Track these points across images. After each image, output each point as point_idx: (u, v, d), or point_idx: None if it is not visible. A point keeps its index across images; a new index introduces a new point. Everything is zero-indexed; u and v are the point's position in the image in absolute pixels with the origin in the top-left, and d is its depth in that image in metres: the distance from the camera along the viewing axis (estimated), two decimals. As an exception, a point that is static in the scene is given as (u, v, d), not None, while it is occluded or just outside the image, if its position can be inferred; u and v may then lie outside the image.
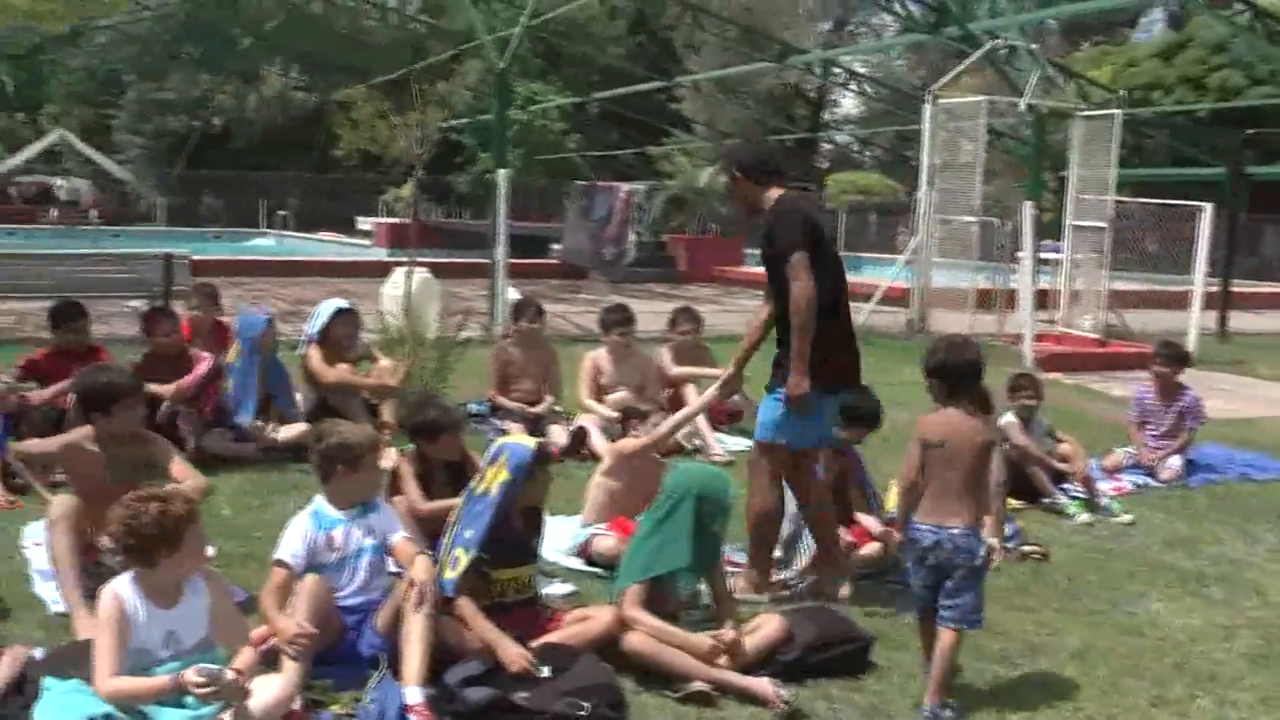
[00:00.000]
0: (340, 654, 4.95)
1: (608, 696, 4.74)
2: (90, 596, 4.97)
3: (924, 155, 17.85)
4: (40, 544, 6.11)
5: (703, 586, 5.62)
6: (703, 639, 5.13)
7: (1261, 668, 5.61)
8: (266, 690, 4.36)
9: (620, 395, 9.90)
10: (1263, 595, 6.68)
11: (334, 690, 4.72)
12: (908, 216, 26.44)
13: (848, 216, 41.30)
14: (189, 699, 4.19)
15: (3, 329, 13.49)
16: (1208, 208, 16.69)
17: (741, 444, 9.32)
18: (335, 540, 5.11)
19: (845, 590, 6.31)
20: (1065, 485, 8.43)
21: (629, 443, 7.36)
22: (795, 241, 6.02)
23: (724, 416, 10.13)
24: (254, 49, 38.44)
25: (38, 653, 4.85)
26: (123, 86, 49.00)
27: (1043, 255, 17.82)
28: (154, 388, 8.09)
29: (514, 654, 4.85)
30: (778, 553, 6.51)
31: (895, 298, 18.55)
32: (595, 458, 8.51)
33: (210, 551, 5.34)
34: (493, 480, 5.34)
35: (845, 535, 6.70)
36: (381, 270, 17.99)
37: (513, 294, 15.21)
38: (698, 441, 9.69)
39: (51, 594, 5.73)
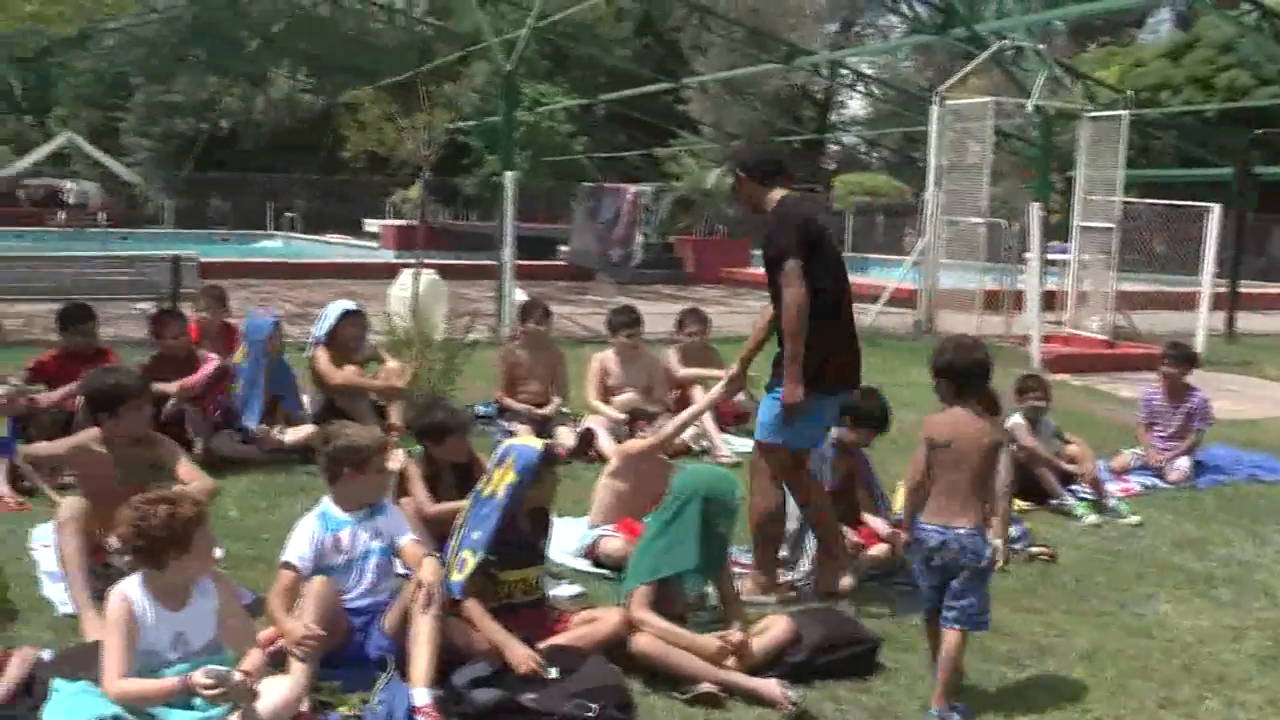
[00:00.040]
0: (348, 655, 4.96)
1: (615, 698, 4.74)
2: (99, 598, 4.98)
3: (931, 156, 17.84)
4: (49, 546, 6.11)
5: (710, 588, 5.62)
6: (710, 640, 5.13)
7: (1270, 669, 5.60)
8: (274, 692, 4.37)
9: (628, 397, 9.91)
10: (1271, 596, 6.67)
11: (342, 692, 4.73)
12: (915, 218, 26.45)
13: (855, 218, 41.26)
14: (197, 701, 4.21)
15: (11, 331, 13.51)
16: (1215, 208, 16.67)
17: (749, 445, 9.26)
18: (342, 542, 5.12)
19: (847, 581, 6.34)
20: (1073, 486, 8.43)
21: (635, 443, 7.37)
22: (790, 247, 6.03)
23: (731, 418, 10.12)
24: (261, 51, 38.51)
25: (46, 654, 4.86)
26: (130, 89, 49.04)
27: (1050, 256, 17.82)
28: (159, 386, 8.12)
29: (522, 655, 4.86)
30: (783, 553, 6.52)
31: (902, 299, 18.55)
32: (602, 459, 8.52)
33: (218, 553, 5.34)
34: (500, 482, 5.35)
35: (853, 536, 6.70)
36: (389, 272, 18.04)
37: (520, 295, 15.20)
38: (705, 443, 9.69)
39: (60, 595, 5.74)
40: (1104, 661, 5.57)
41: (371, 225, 38.28)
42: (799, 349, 6.01)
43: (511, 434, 8.61)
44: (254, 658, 4.45)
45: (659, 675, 5.05)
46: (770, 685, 4.93)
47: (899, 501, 6.54)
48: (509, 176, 16.71)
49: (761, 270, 6.32)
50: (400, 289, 14.45)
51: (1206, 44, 34.48)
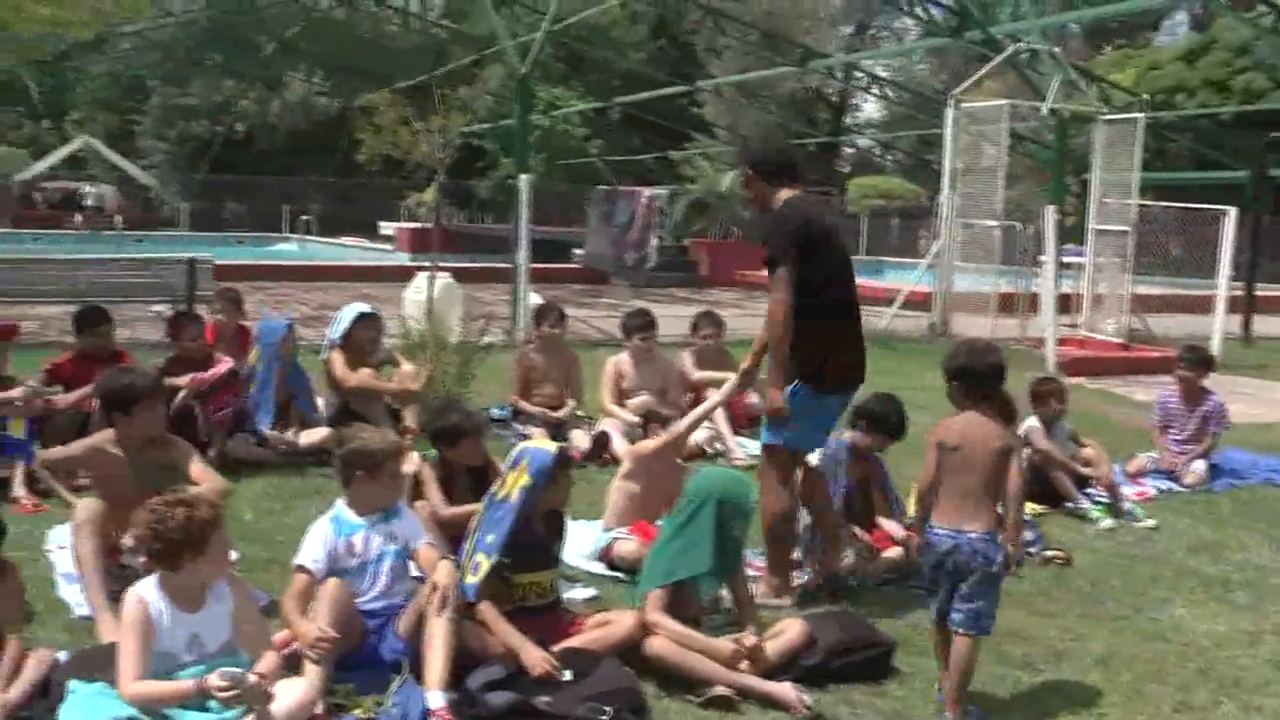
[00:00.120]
0: (362, 658, 4.96)
1: (630, 701, 4.74)
2: (114, 600, 5.00)
3: (946, 159, 17.83)
4: (65, 548, 6.14)
5: (724, 591, 5.62)
6: (725, 644, 5.13)
7: (1286, 673, 5.59)
8: (289, 694, 4.38)
9: (642, 400, 9.91)
10: (1287, 601, 6.65)
11: (356, 694, 4.73)
12: (930, 221, 26.40)
13: (869, 221, 41.25)
14: (212, 703, 4.22)
15: (28, 334, 13.53)
16: (1231, 211, 16.63)
17: (763, 448, 9.31)
18: (355, 546, 5.13)
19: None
20: (1088, 490, 8.41)
21: (647, 443, 7.36)
22: (782, 252, 6.04)
23: (745, 421, 10.11)
24: (277, 55, 38.59)
25: (63, 656, 4.87)
26: (146, 92, 49.22)
27: (1065, 259, 17.78)
28: (171, 381, 8.14)
29: (536, 658, 4.86)
30: (796, 555, 6.52)
31: (917, 302, 18.54)
32: (617, 462, 8.51)
33: (233, 556, 5.35)
34: (514, 485, 5.35)
35: (867, 539, 6.70)
36: (404, 275, 18.07)
37: (535, 299, 15.23)
38: (719, 446, 9.70)
39: (76, 597, 5.76)
40: (1119, 666, 5.55)
41: (386, 228, 38.38)
42: (780, 356, 6.07)
43: (526, 437, 8.62)
44: (269, 660, 4.46)
45: (673, 678, 5.05)
46: (785, 689, 4.92)
47: (912, 504, 6.54)
48: (524, 180, 16.73)
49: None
50: (415, 292, 14.48)
51: (1222, 46, 34.37)
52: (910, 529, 6.59)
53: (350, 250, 36.13)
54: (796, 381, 6.12)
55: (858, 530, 6.71)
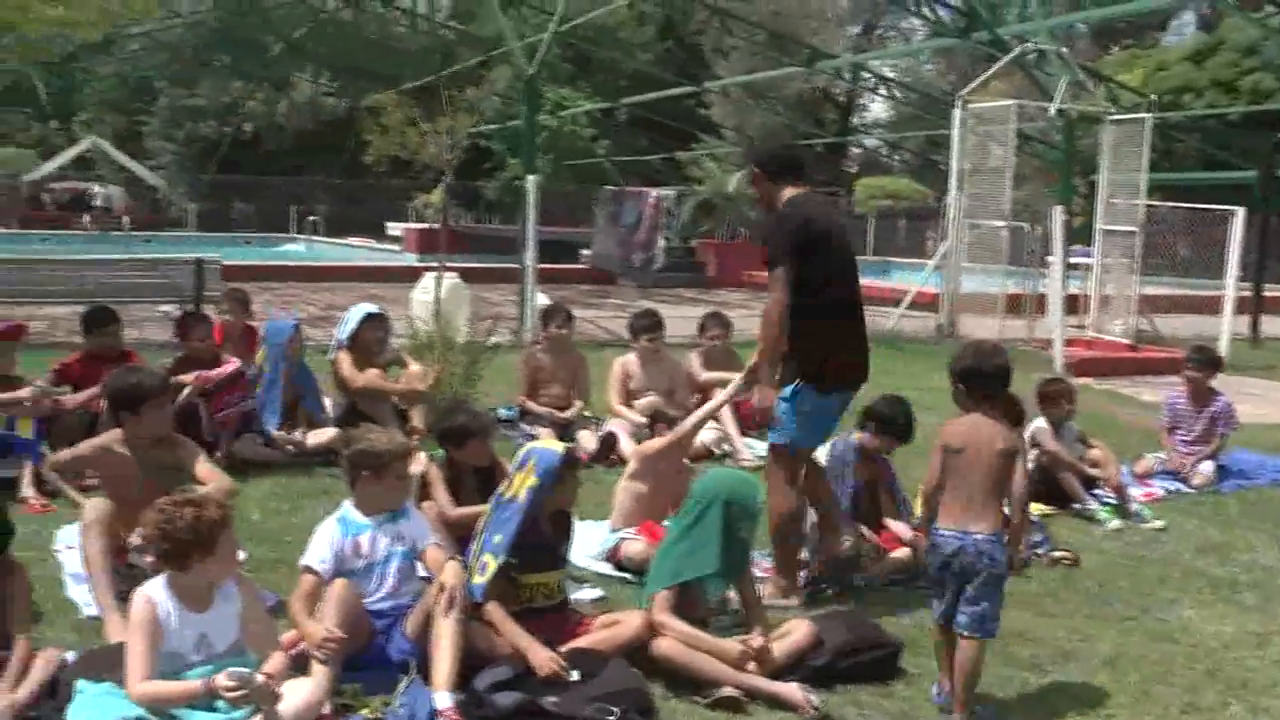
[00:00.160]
0: (370, 658, 4.96)
1: (637, 701, 4.75)
2: (123, 600, 5.01)
3: (953, 160, 17.82)
4: (73, 548, 6.15)
5: (732, 592, 5.62)
6: (732, 644, 5.13)
7: (1294, 675, 5.58)
8: (296, 694, 4.39)
9: (649, 400, 9.91)
10: (1295, 602, 6.65)
11: (363, 694, 4.74)
12: (937, 221, 26.35)
13: (876, 221, 41.21)
14: (220, 703, 4.22)
15: (36, 334, 13.56)
16: (1239, 212, 16.62)
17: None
18: (362, 546, 5.13)
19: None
20: (1096, 491, 8.40)
21: (653, 443, 7.35)
22: (781, 252, 6.05)
23: (753, 422, 10.09)
24: (284, 56, 38.60)
25: (70, 656, 4.88)
26: (154, 93, 49.27)
27: (1073, 260, 17.77)
28: (177, 378, 8.16)
29: (544, 658, 4.86)
30: (803, 555, 6.52)
31: (925, 303, 18.53)
32: (624, 462, 8.50)
33: (240, 556, 5.36)
34: (521, 485, 5.35)
35: (875, 540, 6.70)
36: (411, 275, 18.07)
37: (542, 299, 15.24)
38: (726, 446, 9.70)
39: (84, 597, 5.77)
40: (1127, 667, 5.55)
41: (394, 229, 38.36)
42: (773, 355, 6.13)
43: (533, 437, 8.63)
44: (276, 660, 4.47)
45: (680, 679, 5.05)
46: (792, 689, 4.92)
47: (920, 506, 6.53)
48: (531, 180, 16.74)
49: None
50: (422, 292, 14.48)
51: (1230, 47, 34.30)
52: (918, 530, 6.59)
53: (357, 251, 36.13)
54: (798, 381, 6.13)
55: (865, 531, 6.71)
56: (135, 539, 5.56)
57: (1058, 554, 7.13)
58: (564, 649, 5.01)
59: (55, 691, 4.55)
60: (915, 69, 48.61)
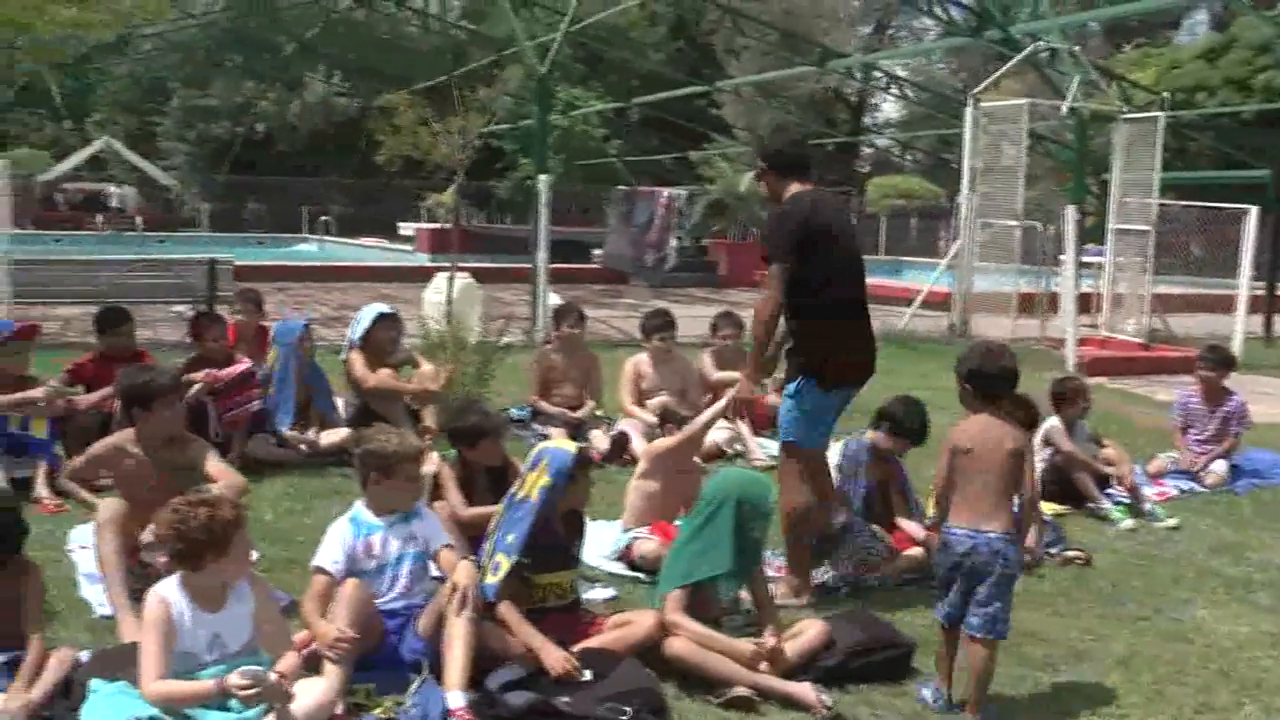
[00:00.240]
0: (382, 658, 4.97)
1: (649, 701, 4.74)
2: (136, 599, 5.02)
3: (965, 159, 17.79)
4: (87, 548, 6.18)
5: (744, 592, 5.62)
6: (744, 644, 5.13)
7: (1309, 675, 5.56)
8: (309, 694, 4.39)
9: (661, 400, 9.91)
10: (1310, 602, 6.62)
11: (376, 694, 4.74)
12: (949, 221, 26.30)
13: (888, 221, 41.17)
14: (233, 702, 4.23)
15: (49, 334, 13.60)
16: (1253, 210, 16.58)
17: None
18: (374, 547, 5.13)
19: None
20: (1110, 490, 8.39)
21: (663, 442, 7.32)
22: (778, 250, 6.06)
23: (765, 421, 10.11)
24: (296, 56, 38.69)
25: (84, 655, 4.89)
26: (167, 94, 49.40)
27: (1085, 259, 17.74)
28: (187, 375, 8.17)
29: (557, 657, 4.86)
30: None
31: (937, 302, 18.52)
32: (636, 462, 8.52)
33: (253, 556, 5.37)
34: (533, 485, 5.36)
35: (887, 539, 6.70)
36: (423, 275, 18.10)
37: (554, 299, 15.25)
38: (739, 446, 9.70)
39: (98, 597, 5.78)
40: (1140, 667, 5.54)
41: (406, 229, 38.44)
42: (764, 348, 6.22)
43: (545, 437, 8.63)
44: (289, 660, 4.47)
45: (693, 679, 5.05)
46: (804, 689, 4.92)
47: (932, 506, 6.53)
48: (543, 180, 16.75)
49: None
50: (435, 292, 14.50)
51: (1243, 45, 34.19)
52: (930, 529, 6.58)
53: (370, 251, 36.20)
54: (800, 379, 6.14)
55: (878, 530, 6.70)
56: (147, 536, 5.58)
57: (1070, 553, 7.12)
58: (576, 649, 5.01)
59: (69, 691, 4.56)
60: (927, 68, 48.57)
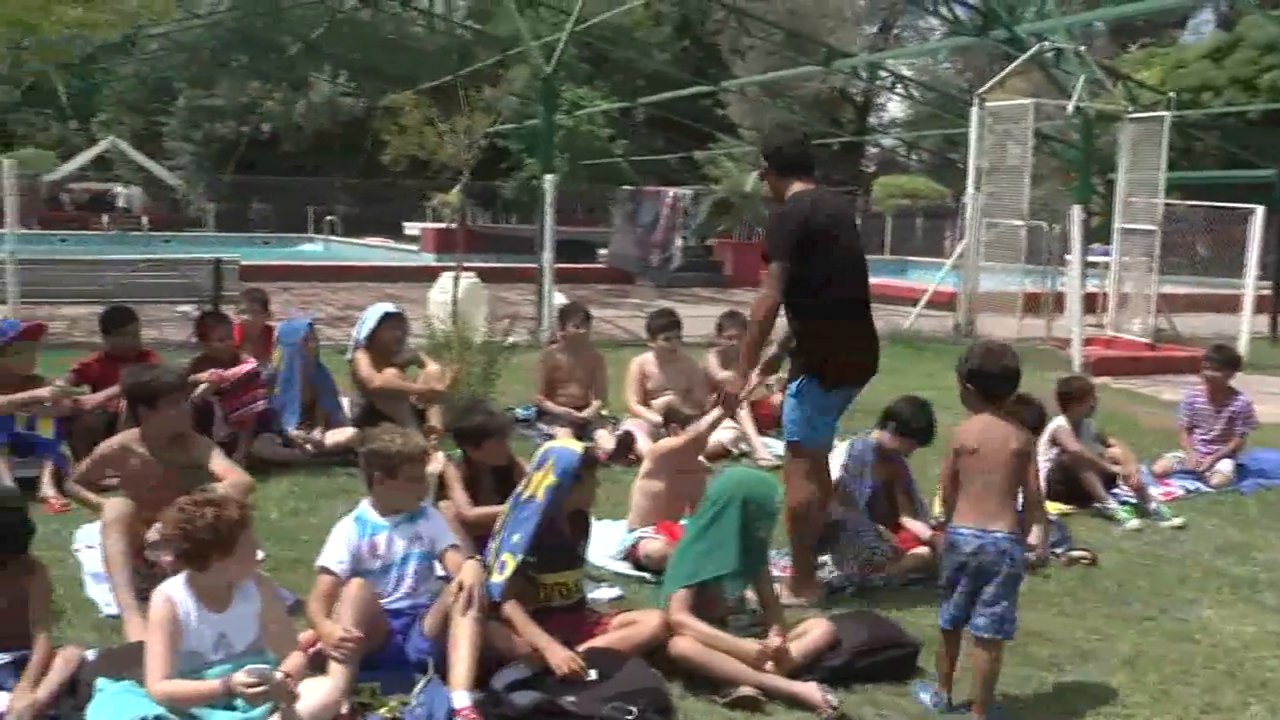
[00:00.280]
0: (387, 658, 4.97)
1: (655, 701, 4.75)
2: (142, 599, 5.02)
3: (971, 159, 17.78)
4: (93, 547, 6.18)
5: (750, 592, 5.61)
6: (750, 644, 5.13)
7: (1315, 675, 5.55)
8: (314, 693, 4.39)
9: (666, 399, 9.90)
10: (1316, 602, 6.62)
11: (381, 693, 4.73)
12: (955, 220, 26.27)
13: (894, 220, 41.16)
14: (239, 701, 4.24)
15: (55, 334, 13.62)
16: (1259, 210, 16.54)
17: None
18: (379, 547, 5.13)
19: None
20: (1116, 490, 8.38)
21: (668, 442, 7.33)
22: (777, 249, 6.06)
23: (771, 421, 10.10)
24: (302, 56, 38.72)
25: (90, 654, 4.89)
26: (173, 94, 49.48)
27: (1091, 259, 17.73)
28: (193, 376, 8.18)
29: (562, 657, 4.86)
30: (822, 556, 6.52)
31: (942, 302, 18.50)
32: (641, 462, 8.51)
33: (259, 555, 5.37)
34: (539, 485, 5.36)
35: (892, 539, 6.70)
36: (429, 275, 18.09)
37: (560, 299, 15.25)
38: (744, 446, 9.70)
39: (104, 596, 5.79)
40: (1146, 667, 5.53)
41: (411, 228, 38.46)
42: (757, 346, 6.25)
43: (551, 437, 8.64)
44: (294, 660, 4.47)
45: (698, 678, 5.05)
46: (810, 689, 4.92)
47: (937, 505, 6.53)
48: (548, 180, 16.75)
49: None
50: (440, 292, 14.49)
51: (1249, 44, 34.17)
52: (937, 529, 6.59)
53: (375, 251, 36.21)
54: (802, 378, 6.14)
55: (883, 531, 6.70)
56: (152, 535, 5.59)
57: (1076, 553, 7.12)
58: (582, 648, 5.02)
59: (75, 690, 4.57)
60: (932, 68, 48.49)
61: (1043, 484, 7.64)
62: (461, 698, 4.61)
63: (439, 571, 5.30)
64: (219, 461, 6.14)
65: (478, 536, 5.86)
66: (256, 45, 38.72)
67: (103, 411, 8.24)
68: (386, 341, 9.44)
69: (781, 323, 6.26)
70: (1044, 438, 8.21)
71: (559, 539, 5.39)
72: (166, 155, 50.17)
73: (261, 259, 25.29)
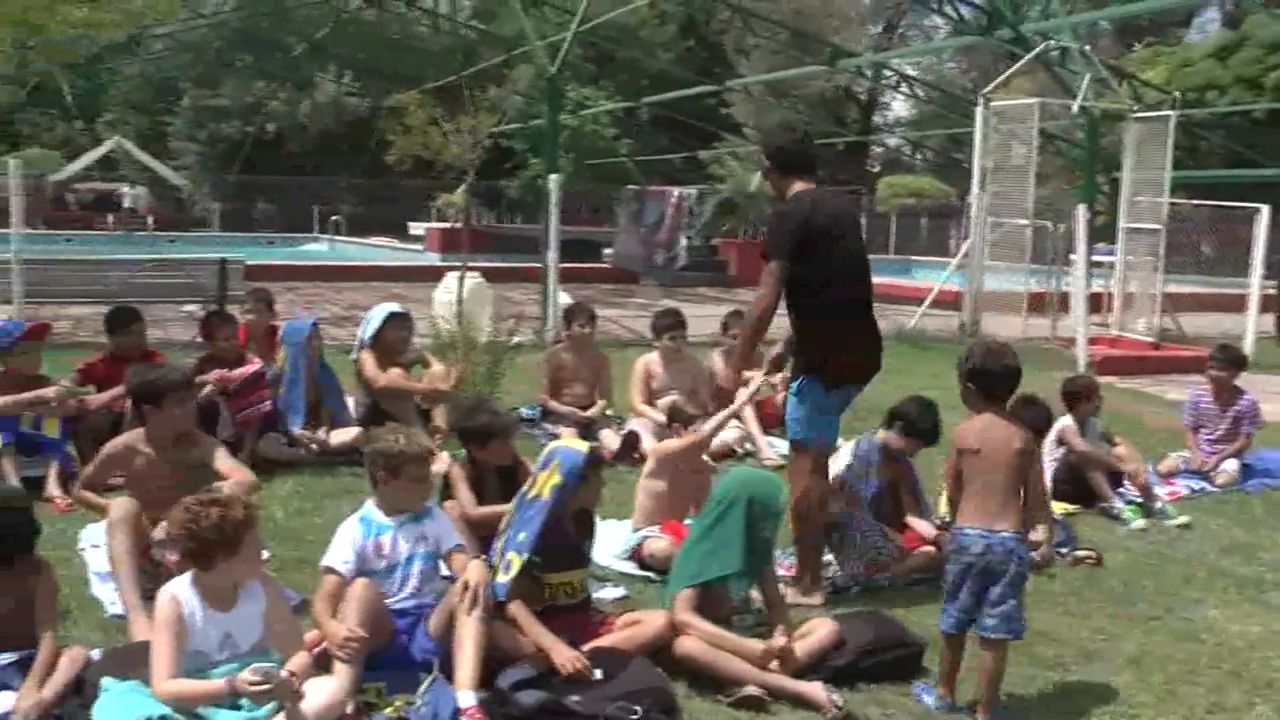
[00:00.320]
0: (392, 657, 4.97)
1: (660, 700, 4.74)
2: (148, 598, 5.03)
3: (976, 158, 17.76)
4: (99, 546, 6.18)
5: (755, 592, 5.61)
6: (755, 643, 5.13)
7: (1321, 675, 5.55)
8: (319, 693, 4.39)
9: (671, 399, 9.89)
10: (1322, 602, 6.61)
11: (386, 693, 4.74)
12: (959, 220, 26.25)
13: (899, 220, 41.13)
14: (244, 701, 4.24)
15: (60, 334, 13.63)
16: (1264, 209, 16.53)
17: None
18: (384, 547, 5.12)
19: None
20: (1121, 489, 8.37)
21: (671, 443, 7.31)
22: (776, 248, 6.07)
23: (775, 420, 10.09)
24: (306, 56, 38.73)
25: (96, 654, 4.90)
26: (178, 94, 49.51)
27: (1096, 258, 17.71)
28: (199, 377, 8.19)
29: (567, 656, 4.86)
30: (827, 557, 6.52)
31: (947, 301, 18.49)
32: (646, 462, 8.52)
33: (264, 555, 5.37)
34: (545, 484, 5.35)
35: (898, 539, 6.69)
36: (434, 275, 18.10)
37: (564, 298, 15.24)
38: (749, 445, 9.70)
39: (109, 596, 5.80)
40: (1151, 666, 5.53)
41: (416, 228, 38.48)
42: (751, 345, 6.32)
43: (555, 436, 8.63)
44: (300, 659, 4.48)
45: (703, 678, 5.05)
46: (815, 688, 4.92)
47: (942, 505, 6.53)
48: (553, 179, 16.75)
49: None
50: (445, 292, 14.50)
51: (1255, 43, 34.13)
52: (941, 528, 6.59)
53: (380, 250, 36.25)
54: (803, 377, 6.15)
55: (888, 530, 6.70)
56: (159, 533, 5.59)
57: (1081, 553, 7.11)
58: (587, 648, 5.02)
59: (81, 689, 4.57)
60: (937, 67, 48.51)
61: (1049, 484, 7.69)
62: (466, 697, 4.61)
63: (444, 571, 5.30)
64: (224, 460, 6.14)
65: (482, 536, 5.85)
66: (261, 45, 38.74)
67: (108, 411, 8.24)
68: (392, 341, 9.45)
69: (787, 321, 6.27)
70: (1050, 437, 8.20)
71: (564, 539, 5.39)
72: (171, 155, 50.22)
73: (266, 259, 25.33)
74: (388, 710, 4.66)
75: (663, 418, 9.61)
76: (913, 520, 6.92)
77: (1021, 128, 17.30)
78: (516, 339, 10.94)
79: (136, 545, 5.66)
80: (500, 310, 14.76)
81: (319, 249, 39.46)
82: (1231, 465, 9.25)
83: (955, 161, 36.84)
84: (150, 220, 43.24)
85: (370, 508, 5.23)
